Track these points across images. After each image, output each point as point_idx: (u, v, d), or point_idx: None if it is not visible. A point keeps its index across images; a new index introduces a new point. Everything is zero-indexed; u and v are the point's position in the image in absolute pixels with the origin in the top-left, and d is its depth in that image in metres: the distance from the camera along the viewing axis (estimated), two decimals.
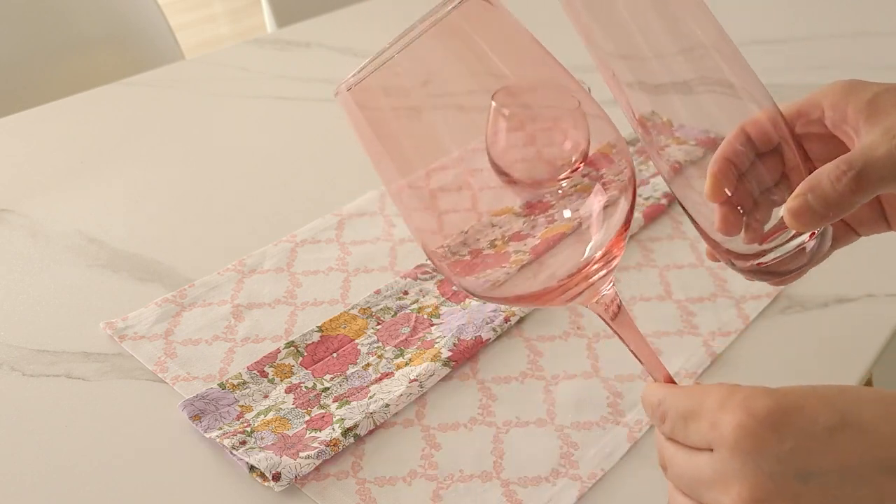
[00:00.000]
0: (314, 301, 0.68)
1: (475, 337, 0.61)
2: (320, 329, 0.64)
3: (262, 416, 0.56)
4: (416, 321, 0.64)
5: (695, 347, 0.62)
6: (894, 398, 0.34)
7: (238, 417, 0.56)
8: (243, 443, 0.53)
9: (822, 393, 0.34)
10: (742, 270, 0.45)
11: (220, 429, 0.55)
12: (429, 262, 0.38)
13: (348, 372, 0.60)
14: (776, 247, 0.44)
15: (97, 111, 1.07)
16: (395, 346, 0.62)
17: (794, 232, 0.43)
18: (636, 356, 0.42)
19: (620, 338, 0.42)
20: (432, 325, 0.64)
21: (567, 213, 0.38)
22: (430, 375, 0.58)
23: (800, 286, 0.66)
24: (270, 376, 0.59)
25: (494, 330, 0.62)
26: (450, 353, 0.60)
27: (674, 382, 0.41)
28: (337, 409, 0.56)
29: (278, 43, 1.27)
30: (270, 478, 0.50)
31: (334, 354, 0.62)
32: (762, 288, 0.67)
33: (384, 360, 0.61)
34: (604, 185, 0.38)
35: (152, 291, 0.70)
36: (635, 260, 0.72)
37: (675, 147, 0.45)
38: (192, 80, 1.16)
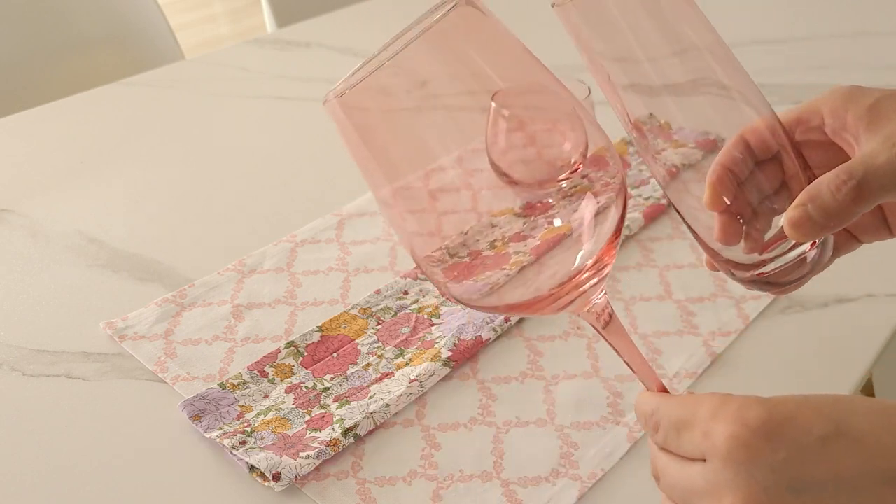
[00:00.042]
0: (314, 301, 0.68)
1: (475, 337, 0.61)
2: (320, 329, 0.64)
3: (262, 416, 0.56)
4: (416, 321, 0.64)
5: (695, 347, 0.62)
6: (890, 408, 0.34)
7: (238, 417, 0.56)
8: (243, 443, 0.53)
9: (815, 403, 0.34)
10: (742, 281, 0.45)
11: (220, 429, 0.55)
12: (434, 253, 0.38)
13: (348, 372, 0.60)
14: (777, 257, 0.43)
15: (97, 111, 1.07)
16: (396, 346, 0.62)
17: (794, 241, 0.42)
18: (629, 365, 0.42)
19: (612, 346, 0.42)
20: (432, 325, 0.64)
21: (558, 222, 0.38)
22: (430, 375, 0.58)
23: None
24: (270, 376, 0.59)
25: (495, 330, 0.62)
26: (450, 353, 0.60)
27: (667, 391, 0.41)
28: (337, 409, 0.56)
29: (278, 43, 1.27)
30: (270, 478, 0.50)
31: (334, 354, 0.62)
32: None
33: (384, 360, 0.61)
34: (595, 193, 0.38)
35: (152, 291, 0.70)
36: (635, 260, 0.72)
37: (672, 151, 0.44)
38: (192, 80, 1.16)
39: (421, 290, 0.68)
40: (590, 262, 0.38)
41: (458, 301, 0.39)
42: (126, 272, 0.73)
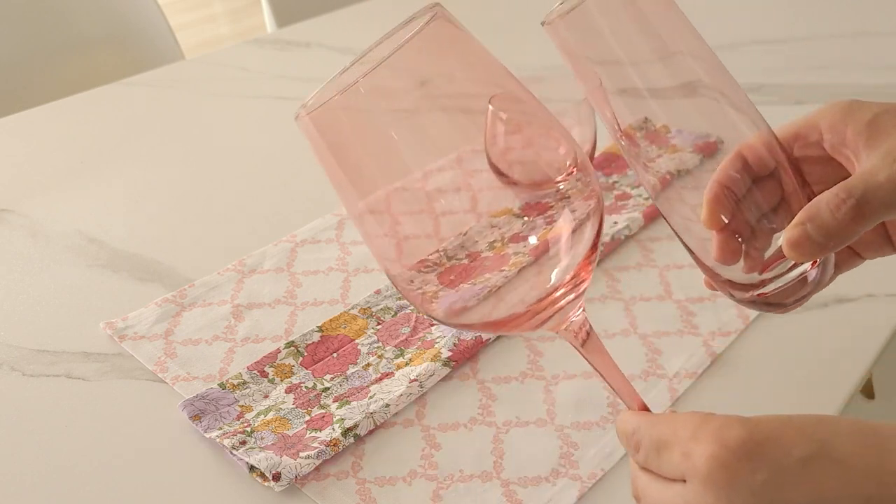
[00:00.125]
0: (314, 301, 0.68)
1: (475, 337, 0.61)
2: (320, 329, 0.64)
3: (262, 416, 0.56)
4: (416, 321, 0.64)
5: (695, 347, 0.62)
6: (872, 429, 0.33)
7: (238, 417, 0.56)
8: (243, 443, 0.53)
9: (797, 423, 0.33)
10: (742, 301, 0.44)
11: (220, 429, 0.55)
12: (429, 257, 0.38)
13: (348, 372, 0.60)
14: (777, 276, 0.42)
15: (97, 111, 1.07)
16: (396, 346, 0.62)
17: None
18: (609, 384, 0.41)
19: (591, 364, 0.41)
20: (432, 324, 0.64)
21: (533, 240, 0.37)
22: (430, 375, 0.58)
23: None
24: (270, 376, 0.59)
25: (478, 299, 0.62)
26: (450, 353, 0.60)
27: (648, 410, 0.40)
28: (337, 409, 0.56)
29: (278, 43, 1.27)
30: (270, 478, 0.50)
31: (334, 354, 0.62)
32: None
33: (384, 360, 0.61)
34: (573, 209, 0.38)
35: (152, 291, 0.70)
36: (635, 260, 0.72)
37: (667, 157, 0.43)
38: (192, 80, 1.16)
39: (424, 280, 0.68)
40: (567, 278, 0.38)
41: (435, 319, 0.39)
42: (126, 272, 0.73)
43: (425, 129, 0.36)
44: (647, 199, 0.78)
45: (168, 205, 0.84)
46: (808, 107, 0.98)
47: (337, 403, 0.57)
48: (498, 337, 0.63)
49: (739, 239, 0.42)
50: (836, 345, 0.62)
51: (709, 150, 0.43)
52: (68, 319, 0.67)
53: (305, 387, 0.59)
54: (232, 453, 0.53)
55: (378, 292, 0.67)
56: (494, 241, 0.38)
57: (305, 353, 0.61)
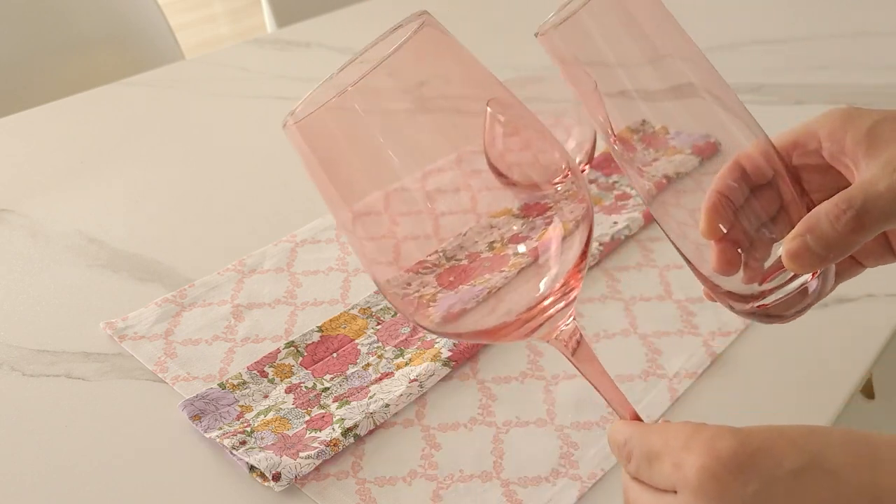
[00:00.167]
0: (314, 301, 0.68)
1: (460, 310, 0.61)
2: (320, 329, 0.64)
3: (262, 416, 0.56)
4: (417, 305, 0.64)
5: (695, 347, 0.62)
6: (864, 439, 0.33)
7: (238, 417, 0.56)
8: (243, 443, 0.53)
9: (788, 434, 0.33)
10: (742, 313, 0.43)
11: (220, 429, 0.55)
12: (429, 257, 0.38)
13: (348, 372, 0.60)
14: (777, 287, 0.42)
15: (97, 111, 1.07)
16: (395, 346, 0.62)
17: None
18: (600, 393, 0.41)
19: (582, 374, 0.41)
20: (430, 307, 0.63)
21: (522, 249, 0.37)
22: (430, 375, 0.58)
23: None
24: (270, 376, 0.59)
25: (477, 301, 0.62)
26: (450, 353, 0.60)
27: (640, 420, 0.40)
28: (337, 409, 0.56)
29: (278, 43, 1.27)
30: (270, 478, 0.50)
31: (334, 354, 0.62)
32: None
33: (384, 360, 0.61)
34: (566, 214, 0.38)
35: (152, 291, 0.70)
36: (635, 260, 0.72)
37: (665, 160, 0.43)
38: (192, 80, 1.16)
39: (422, 283, 0.68)
40: (557, 286, 0.37)
41: (424, 328, 0.39)
42: (126, 272, 0.73)
43: (415, 137, 0.36)
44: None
45: (168, 205, 0.84)
46: (808, 107, 0.98)
47: (337, 403, 0.57)
48: None
49: (739, 249, 0.41)
50: (836, 345, 0.62)
51: (708, 152, 0.43)
52: (68, 319, 0.67)
53: (305, 387, 0.59)
54: (232, 453, 0.53)
55: (378, 292, 0.67)
56: (494, 242, 0.38)
57: (305, 353, 0.61)
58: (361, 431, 0.54)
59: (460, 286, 0.38)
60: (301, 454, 0.52)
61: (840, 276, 0.44)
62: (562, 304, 0.38)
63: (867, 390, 0.73)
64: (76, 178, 0.90)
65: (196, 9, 3.99)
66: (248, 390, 0.58)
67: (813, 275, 0.41)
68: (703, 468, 0.32)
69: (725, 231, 0.41)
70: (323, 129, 0.35)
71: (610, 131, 0.41)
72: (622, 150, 0.42)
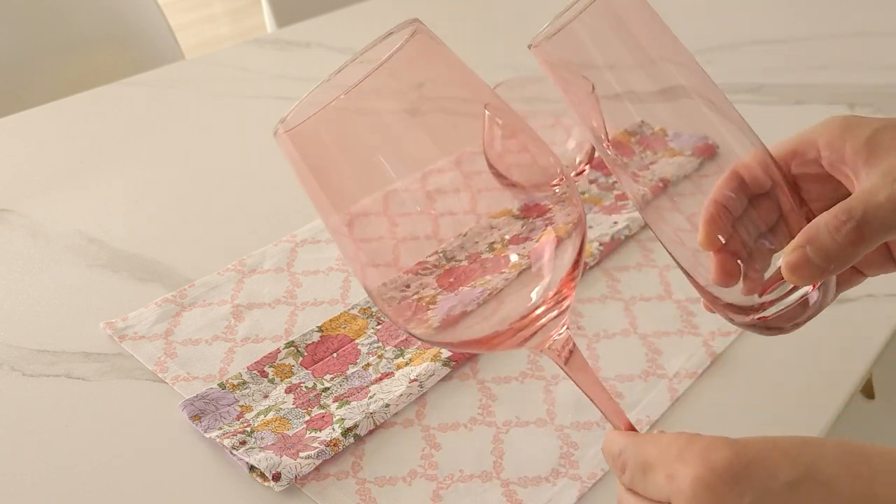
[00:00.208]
0: (314, 301, 0.68)
1: (461, 312, 0.61)
2: (320, 329, 0.64)
3: (262, 416, 0.56)
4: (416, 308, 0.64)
5: (695, 347, 0.62)
6: (858, 451, 0.33)
7: (238, 417, 0.56)
8: (243, 443, 0.53)
9: (783, 446, 0.33)
10: (742, 325, 0.43)
11: (220, 429, 0.55)
12: (430, 258, 0.38)
13: (348, 372, 0.60)
14: (778, 299, 0.41)
15: (97, 111, 1.07)
16: (396, 346, 0.62)
17: None
18: (594, 403, 0.41)
19: (576, 383, 0.41)
20: (429, 309, 0.64)
21: (514, 258, 0.37)
22: (430, 375, 0.58)
23: None
24: (270, 376, 0.60)
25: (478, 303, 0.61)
26: (450, 353, 0.60)
27: (634, 430, 0.40)
28: (337, 409, 0.56)
29: (278, 43, 1.27)
30: (270, 478, 0.50)
31: (334, 354, 0.62)
32: None
33: (384, 360, 0.61)
34: (555, 226, 0.37)
35: (152, 291, 0.70)
36: (635, 260, 0.72)
37: (665, 161, 0.43)
38: (192, 80, 1.16)
39: (421, 284, 0.68)
40: (550, 294, 0.37)
41: (415, 336, 0.38)
42: (126, 272, 0.73)
43: (408, 143, 0.36)
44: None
45: (168, 205, 0.84)
46: (808, 107, 0.98)
47: (337, 403, 0.57)
48: None
49: (738, 260, 0.41)
50: (836, 345, 0.62)
51: (708, 153, 0.43)
52: (68, 319, 0.67)
53: (305, 387, 0.59)
54: (232, 453, 0.53)
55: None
56: (494, 243, 0.37)
57: (305, 353, 0.62)
58: (361, 431, 0.54)
59: (460, 288, 0.38)
60: (301, 454, 0.52)
61: (840, 286, 0.44)
62: (555, 313, 0.38)
63: (867, 390, 0.73)
64: (76, 178, 0.90)
65: (196, 9, 3.99)
66: (248, 390, 0.58)
67: (814, 286, 0.41)
68: (698, 479, 0.32)
69: (724, 242, 0.40)
70: (314, 136, 0.35)
71: (604, 136, 0.41)
72: (617, 154, 0.41)
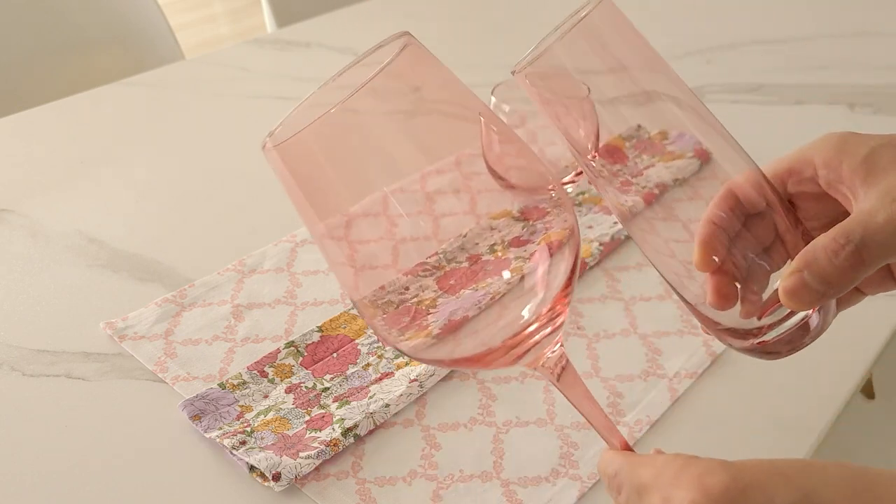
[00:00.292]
0: (314, 301, 0.68)
1: (462, 317, 0.61)
2: (320, 329, 0.64)
3: (262, 416, 0.56)
4: (414, 312, 0.64)
5: (695, 347, 0.62)
6: (860, 475, 0.32)
7: (238, 417, 0.56)
8: (243, 443, 0.53)
9: (782, 469, 0.32)
10: (741, 350, 0.42)
11: (220, 429, 0.55)
12: (430, 259, 0.38)
13: (348, 372, 0.60)
14: (777, 323, 0.40)
15: (97, 111, 1.07)
16: None
17: None
18: (588, 420, 0.40)
19: (569, 400, 0.40)
20: (429, 314, 0.64)
21: (507, 275, 0.37)
22: (430, 375, 0.58)
23: None
24: (270, 376, 0.60)
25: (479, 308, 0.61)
26: None
27: (630, 449, 0.39)
28: (337, 409, 0.56)
29: (278, 43, 1.27)
30: (270, 478, 0.50)
31: (334, 354, 0.62)
32: None
33: (384, 360, 0.61)
34: (549, 245, 0.37)
35: (152, 291, 0.70)
36: (635, 260, 0.72)
37: (662, 166, 0.42)
38: (192, 80, 1.16)
39: (421, 286, 0.68)
40: (543, 311, 0.37)
41: (403, 352, 0.38)
42: (126, 272, 0.73)
43: (399, 154, 0.36)
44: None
45: (168, 205, 0.84)
46: (808, 107, 0.98)
47: (337, 403, 0.57)
48: None
49: (735, 282, 0.40)
50: (836, 345, 0.62)
51: (705, 157, 0.43)
52: (68, 319, 0.67)
53: (305, 387, 0.59)
54: (232, 453, 0.53)
55: (382, 288, 0.67)
56: (495, 245, 0.37)
57: (305, 353, 0.62)
58: (361, 431, 0.54)
59: (462, 290, 0.37)
60: (301, 454, 0.52)
61: (840, 305, 0.43)
62: (548, 330, 0.37)
63: (867, 390, 0.73)
64: (76, 178, 0.90)
65: (196, 9, 3.99)
66: (248, 390, 0.58)
67: (814, 308, 0.40)
68: None
69: (719, 263, 0.39)
70: (303, 150, 0.35)
71: (591, 146, 0.41)
72: (606, 163, 0.41)
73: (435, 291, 0.37)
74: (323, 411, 0.56)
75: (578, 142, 0.41)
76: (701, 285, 0.41)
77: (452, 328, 0.38)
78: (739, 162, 0.40)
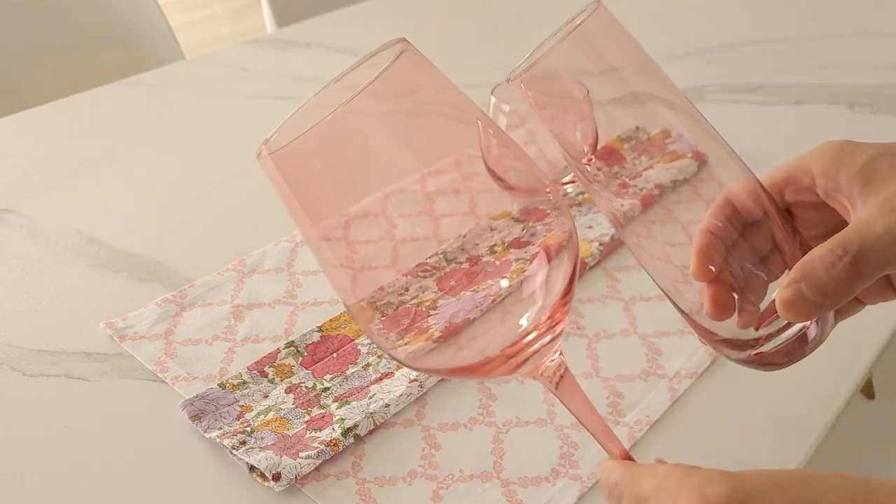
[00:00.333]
0: (314, 301, 0.68)
1: (464, 319, 0.61)
2: (320, 329, 0.64)
3: (262, 416, 0.56)
4: (414, 314, 0.64)
5: (695, 347, 0.62)
6: (862, 486, 0.32)
7: (238, 417, 0.56)
8: (243, 443, 0.53)
9: (782, 481, 0.32)
10: (737, 361, 0.41)
11: (220, 429, 0.55)
12: (429, 259, 0.37)
13: (348, 372, 0.60)
14: (775, 333, 0.40)
15: (97, 111, 1.07)
16: None
17: None
18: (587, 429, 0.40)
19: (568, 408, 0.40)
20: (429, 315, 0.64)
21: (504, 283, 0.36)
22: (430, 375, 0.58)
23: None
24: (270, 376, 0.60)
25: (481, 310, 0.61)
26: None
27: (630, 458, 0.39)
28: (337, 409, 0.56)
29: (278, 43, 1.27)
30: (270, 478, 0.50)
31: (334, 354, 0.62)
32: None
33: (384, 360, 0.61)
34: (548, 250, 0.37)
35: (152, 291, 0.70)
36: (635, 260, 0.72)
37: (662, 166, 0.41)
38: (192, 80, 1.16)
39: (421, 287, 0.68)
40: (542, 319, 0.36)
41: (399, 361, 0.38)
42: (126, 272, 0.73)
43: (395, 161, 0.35)
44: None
45: (168, 205, 0.84)
46: (808, 107, 0.98)
47: (337, 403, 0.57)
48: None
49: (732, 292, 0.40)
50: (836, 345, 0.62)
51: (702, 159, 0.42)
52: (68, 319, 0.67)
53: (305, 387, 0.59)
54: (232, 453, 0.53)
55: (381, 288, 0.67)
56: (495, 245, 0.37)
57: (305, 353, 0.62)
58: (361, 431, 0.54)
59: (462, 292, 0.37)
60: (301, 454, 0.52)
61: (838, 315, 0.42)
62: (547, 339, 0.37)
63: (867, 390, 0.73)
64: (76, 178, 0.90)
65: (196, 9, 3.99)
66: (248, 390, 0.58)
67: (812, 319, 0.40)
68: None
69: (716, 273, 0.39)
70: (298, 157, 0.35)
71: (587, 149, 0.41)
72: (602, 166, 0.41)
73: (435, 293, 0.37)
74: (323, 411, 0.56)
75: (573, 146, 0.41)
76: (697, 293, 0.41)
77: (453, 331, 0.37)
78: (735, 168, 0.40)
